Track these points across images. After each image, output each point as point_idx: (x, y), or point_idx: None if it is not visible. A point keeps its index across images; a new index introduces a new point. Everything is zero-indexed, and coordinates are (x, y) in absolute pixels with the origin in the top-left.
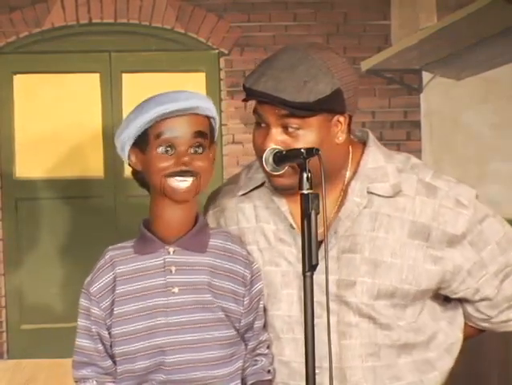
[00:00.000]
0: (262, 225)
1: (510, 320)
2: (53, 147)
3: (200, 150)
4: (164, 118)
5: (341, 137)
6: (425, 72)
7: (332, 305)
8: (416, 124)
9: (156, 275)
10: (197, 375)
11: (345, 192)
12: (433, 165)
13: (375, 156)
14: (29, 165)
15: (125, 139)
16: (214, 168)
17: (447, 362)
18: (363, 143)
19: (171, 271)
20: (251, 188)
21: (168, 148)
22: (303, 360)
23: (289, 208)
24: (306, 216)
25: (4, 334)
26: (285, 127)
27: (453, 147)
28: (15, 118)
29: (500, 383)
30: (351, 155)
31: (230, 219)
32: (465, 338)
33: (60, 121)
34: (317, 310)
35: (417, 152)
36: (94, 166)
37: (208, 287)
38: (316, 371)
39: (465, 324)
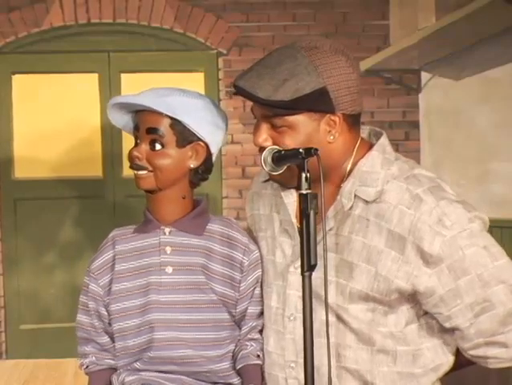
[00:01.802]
0: (272, 214)
1: (488, 357)
2: (52, 148)
3: (157, 146)
4: (138, 111)
5: (333, 136)
6: (424, 72)
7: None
8: (415, 124)
9: (152, 254)
10: (185, 354)
11: (339, 191)
12: (432, 165)
13: (373, 161)
14: (28, 165)
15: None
16: (212, 167)
17: (431, 380)
18: (371, 146)
19: (166, 251)
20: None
21: (137, 141)
22: (282, 352)
23: (296, 201)
24: (304, 215)
25: (3, 334)
26: (272, 124)
27: (453, 147)
28: (14, 118)
29: (499, 384)
30: (354, 154)
31: (255, 203)
32: (458, 367)
33: (59, 121)
34: (297, 304)
35: (416, 152)
36: (93, 166)
37: (202, 269)
38: (292, 365)
39: (459, 351)
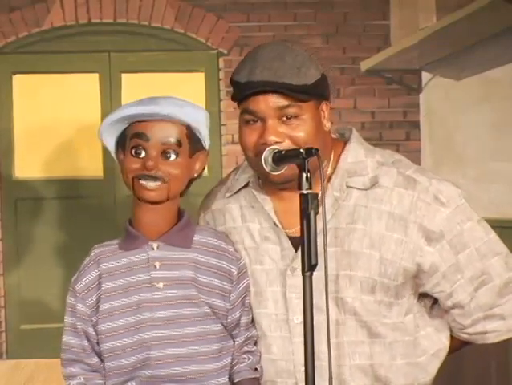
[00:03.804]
0: (247, 225)
1: (487, 332)
2: (52, 148)
3: (171, 156)
4: (140, 121)
5: (327, 124)
6: (425, 72)
7: (319, 303)
8: (416, 124)
9: (141, 270)
10: (184, 370)
11: (326, 187)
12: (433, 165)
13: (355, 151)
14: (28, 165)
15: (101, 135)
16: (212, 168)
17: (435, 366)
18: (346, 141)
19: (155, 266)
20: (237, 188)
21: (140, 151)
22: (290, 358)
23: (273, 207)
24: (305, 216)
25: (3, 334)
26: (282, 118)
27: (453, 147)
28: (14, 118)
29: (499, 384)
30: (332, 151)
31: (218, 220)
32: (450, 351)
33: (59, 121)
34: (302, 306)
35: (417, 153)
36: (93, 166)
37: (192, 282)
38: (303, 369)
39: (451, 335)
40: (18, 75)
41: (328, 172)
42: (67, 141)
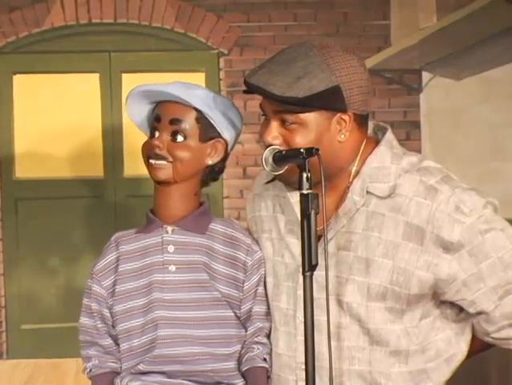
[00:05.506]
0: (276, 215)
1: None
2: (52, 148)
3: (178, 138)
4: (160, 103)
5: (343, 135)
6: (425, 72)
7: (324, 304)
8: (416, 124)
9: (155, 253)
10: (189, 351)
11: (349, 189)
12: None
13: (382, 156)
14: (29, 165)
15: (128, 114)
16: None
17: (444, 374)
18: (377, 142)
19: (168, 250)
20: (273, 176)
21: (154, 132)
22: (293, 354)
23: None
24: (305, 216)
25: (4, 334)
26: (282, 121)
27: (453, 147)
28: (15, 118)
29: (499, 384)
30: (361, 152)
31: (257, 205)
32: (472, 353)
33: (60, 121)
34: None
35: (417, 152)
36: (94, 166)
37: (203, 267)
38: (303, 367)
39: (474, 336)
40: (18, 75)
41: (352, 175)
42: (68, 141)
